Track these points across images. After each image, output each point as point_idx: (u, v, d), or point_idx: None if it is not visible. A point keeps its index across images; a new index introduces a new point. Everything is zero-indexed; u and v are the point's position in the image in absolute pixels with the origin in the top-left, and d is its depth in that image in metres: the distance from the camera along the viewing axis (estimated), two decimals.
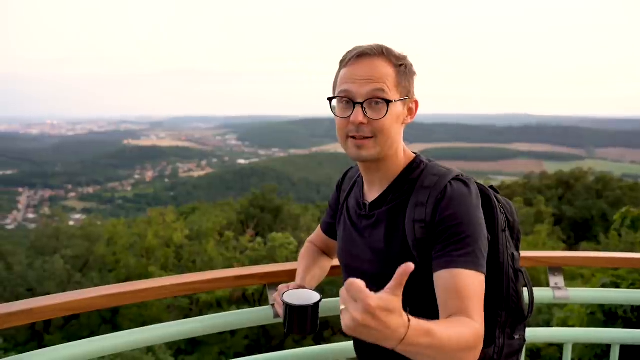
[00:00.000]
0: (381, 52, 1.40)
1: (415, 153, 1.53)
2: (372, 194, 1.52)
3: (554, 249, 26.31)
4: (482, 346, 1.24)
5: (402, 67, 1.42)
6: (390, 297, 0.96)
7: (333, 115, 1.45)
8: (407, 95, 1.43)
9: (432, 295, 1.34)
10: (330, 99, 1.45)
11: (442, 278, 1.30)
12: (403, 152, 1.49)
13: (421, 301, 1.37)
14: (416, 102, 1.48)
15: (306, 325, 1.43)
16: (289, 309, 1.42)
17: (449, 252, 1.31)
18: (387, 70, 1.39)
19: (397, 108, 1.41)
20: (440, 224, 1.33)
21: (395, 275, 0.96)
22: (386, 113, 1.37)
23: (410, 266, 0.95)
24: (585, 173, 44.07)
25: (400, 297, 0.97)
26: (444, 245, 1.32)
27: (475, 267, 1.29)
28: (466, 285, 1.27)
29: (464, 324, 1.21)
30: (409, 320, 1.00)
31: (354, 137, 1.40)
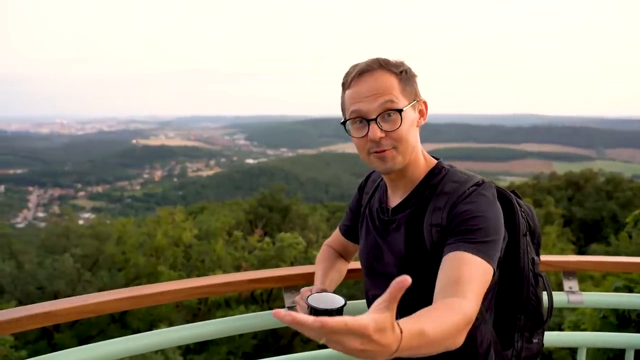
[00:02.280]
0: (380, 65, 1.42)
1: (437, 158, 1.54)
2: (395, 198, 1.54)
3: (563, 250, 26.14)
4: (469, 327, 1.16)
5: (403, 73, 1.44)
6: (383, 316, 0.90)
7: (350, 137, 1.46)
8: (414, 99, 1.45)
9: None
10: (343, 123, 1.47)
11: (446, 261, 1.29)
12: (423, 157, 1.51)
13: None
14: (425, 103, 1.50)
15: None
16: (314, 312, 1.43)
17: (457, 241, 1.31)
18: (390, 81, 1.41)
19: (409, 114, 1.42)
20: (454, 218, 1.34)
21: (389, 289, 0.89)
22: (401, 122, 1.39)
23: (406, 280, 0.87)
24: (595, 174, 43.74)
25: (394, 311, 0.92)
26: (454, 234, 1.33)
27: (482, 254, 1.27)
28: (468, 269, 1.24)
29: (452, 309, 1.14)
30: (402, 332, 0.96)
31: (375, 152, 1.42)
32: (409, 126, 1.42)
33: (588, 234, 35.67)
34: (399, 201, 1.52)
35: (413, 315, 1.06)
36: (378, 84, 1.40)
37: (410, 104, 1.43)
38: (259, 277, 1.90)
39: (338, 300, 1.48)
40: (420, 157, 1.50)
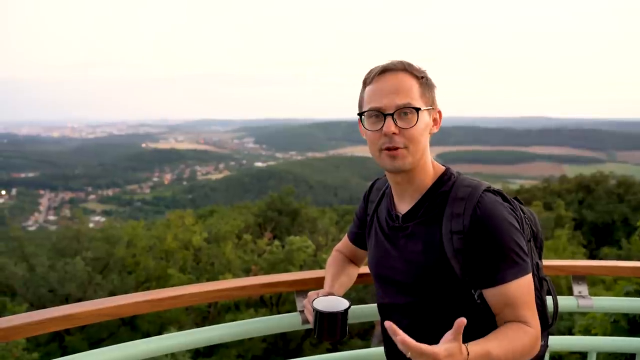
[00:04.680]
0: (403, 67, 1.46)
1: (445, 165, 1.56)
2: (403, 205, 1.55)
3: (574, 253, 25.93)
4: (538, 346, 1.39)
5: (424, 80, 1.47)
6: (452, 345, 1.17)
7: (365, 131, 1.49)
8: (431, 105, 1.48)
9: (474, 302, 1.43)
10: (360, 115, 1.49)
11: (491, 295, 1.40)
12: (432, 163, 1.53)
13: (466, 309, 1.42)
14: (440, 113, 1.52)
15: (336, 331, 1.48)
16: (319, 315, 1.47)
17: (491, 269, 1.38)
18: (411, 83, 1.44)
19: (425, 118, 1.45)
20: (479, 236, 1.37)
21: (455, 328, 1.17)
22: (417, 121, 1.41)
23: (463, 320, 1.16)
24: (606, 177, 43.34)
25: (460, 340, 1.18)
26: (485, 261, 1.38)
27: (519, 273, 1.38)
28: (515, 296, 1.38)
29: (519, 331, 1.36)
30: (468, 354, 1.21)
31: (387, 149, 1.43)
32: (423, 129, 1.44)
33: (599, 237, 35.39)
34: (408, 208, 1.52)
35: (484, 338, 1.31)
36: (399, 82, 1.43)
37: (427, 109, 1.45)
38: (272, 282, 1.94)
39: (342, 304, 1.52)
40: (428, 164, 1.51)
